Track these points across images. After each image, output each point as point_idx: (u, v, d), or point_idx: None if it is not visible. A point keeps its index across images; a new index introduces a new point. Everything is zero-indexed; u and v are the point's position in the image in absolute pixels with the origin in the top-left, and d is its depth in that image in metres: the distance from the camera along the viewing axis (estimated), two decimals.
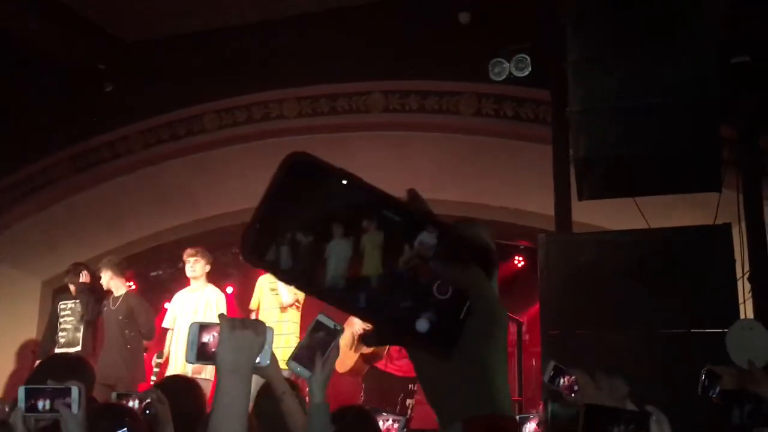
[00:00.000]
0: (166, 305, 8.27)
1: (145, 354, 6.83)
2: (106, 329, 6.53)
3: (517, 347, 5.71)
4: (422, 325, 0.58)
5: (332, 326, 1.96)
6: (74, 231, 7.73)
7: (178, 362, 6.21)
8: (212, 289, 6.49)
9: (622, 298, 3.91)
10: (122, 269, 6.67)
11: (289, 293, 5.86)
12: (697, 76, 3.61)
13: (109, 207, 7.72)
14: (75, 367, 2.37)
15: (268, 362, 1.48)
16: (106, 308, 6.58)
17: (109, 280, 6.56)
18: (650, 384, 3.19)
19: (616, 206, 5.21)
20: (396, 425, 2.65)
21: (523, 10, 5.72)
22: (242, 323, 1.41)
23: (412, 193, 0.55)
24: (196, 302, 6.39)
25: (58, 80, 6.95)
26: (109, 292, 6.64)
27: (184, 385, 2.48)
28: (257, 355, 1.43)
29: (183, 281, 8.58)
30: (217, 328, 1.54)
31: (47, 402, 1.91)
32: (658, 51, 3.73)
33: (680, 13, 3.80)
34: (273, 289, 5.98)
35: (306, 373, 1.94)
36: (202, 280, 6.45)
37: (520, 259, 8.08)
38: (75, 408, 1.91)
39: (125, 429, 1.80)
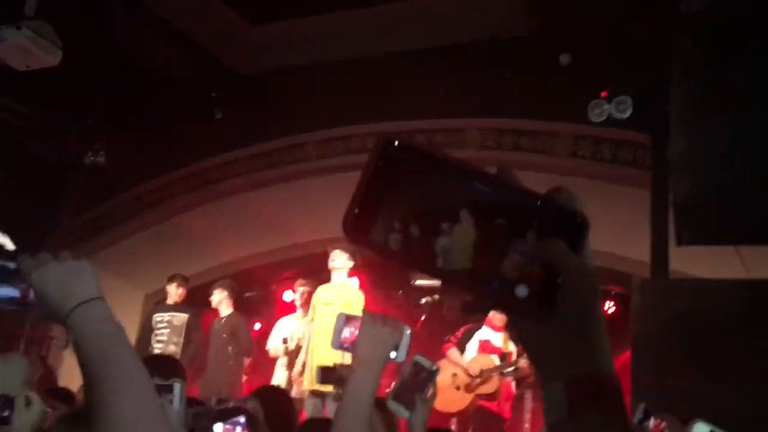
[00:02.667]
0: (256, 326, 8.57)
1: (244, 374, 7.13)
2: (211, 346, 6.88)
3: None
4: (521, 291, 0.60)
5: (429, 366, 2.04)
6: (178, 248, 8.14)
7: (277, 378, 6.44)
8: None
9: (718, 349, 3.79)
10: (235, 292, 7.06)
11: (354, 310, 5.82)
12: None
13: (212, 228, 8.11)
14: (175, 365, 2.53)
15: (404, 359, 1.60)
16: (213, 327, 6.96)
17: (221, 299, 6.94)
18: None
19: (716, 255, 5.05)
20: None
21: (626, 52, 5.70)
22: (383, 319, 1.55)
23: (502, 168, 0.57)
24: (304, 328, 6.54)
25: (173, 105, 7.41)
26: (216, 310, 7.02)
27: (278, 396, 2.60)
28: (391, 351, 1.55)
29: (273, 304, 8.86)
30: (359, 321, 1.68)
31: None
32: (766, 97, 3.65)
33: None
34: (326, 303, 6.00)
35: (405, 412, 2.01)
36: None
37: (612, 304, 7.90)
38: (177, 404, 2.03)
39: (243, 418, 1.92)
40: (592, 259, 0.65)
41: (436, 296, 6.31)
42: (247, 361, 7.13)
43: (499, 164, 0.65)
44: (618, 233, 6.73)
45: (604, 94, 5.51)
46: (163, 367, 2.31)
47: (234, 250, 8.23)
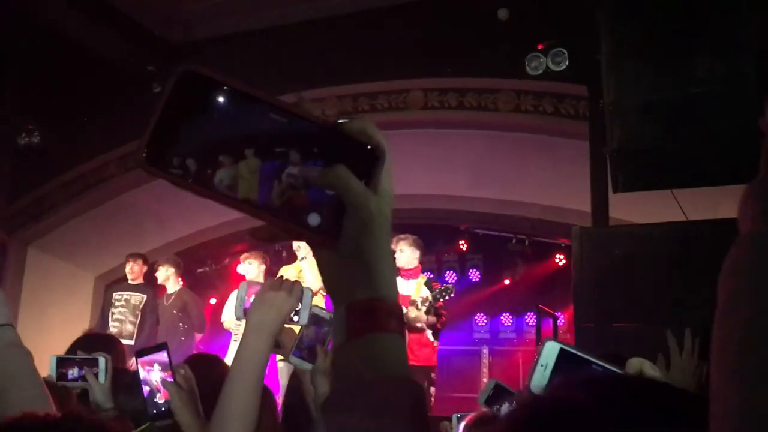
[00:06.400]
0: (212, 301, 8.52)
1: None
2: (161, 323, 6.86)
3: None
4: (313, 219, 0.62)
5: (328, 317, 2.02)
6: (124, 228, 7.99)
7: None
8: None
9: (658, 292, 3.89)
10: (181, 268, 7.05)
11: (316, 279, 5.89)
12: (731, 70, 3.57)
13: (157, 205, 7.96)
14: (103, 342, 2.52)
15: (305, 322, 1.58)
16: (161, 304, 6.94)
17: (168, 276, 6.91)
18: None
19: (656, 202, 5.16)
20: None
21: (561, 5, 5.71)
22: (280, 284, 1.52)
23: (300, 100, 0.62)
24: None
25: (109, 81, 7.20)
26: (162, 287, 6.99)
27: (208, 361, 2.59)
28: (287, 316, 1.54)
29: (227, 278, 8.80)
30: (258, 287, 1.66)
31: (76, 370, 2.04)
32: (693, 44, 3.70)
33: (716, 7, 3.76)
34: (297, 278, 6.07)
35: (307, 365, 1.99)
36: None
37: (562, 257, 8.04)
38: (102, 377, 2.03)
39: (165, 353, 1.92)
40: (389, 187, 0.65)
41: None
42: (198, 336, 7.13)
43: (297, 96, 0.66)
44: (563, 186, 6.83)
45: (540, 46, 5.53)
46: (89, 343, 2.29)
47: (182, 227, 8.11)
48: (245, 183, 0.62)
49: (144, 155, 0.61)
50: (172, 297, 6.97)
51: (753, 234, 0.46)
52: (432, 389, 5.80)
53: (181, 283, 7.33)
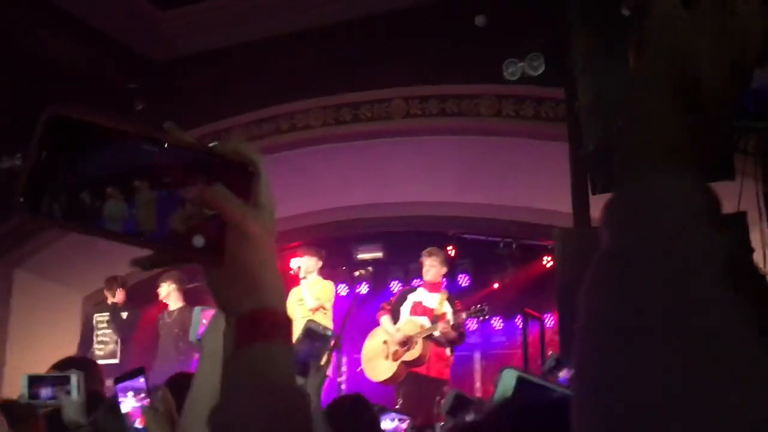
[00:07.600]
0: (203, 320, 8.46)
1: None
2: (161, 340, 6.78)
3: (540, 344, 5.73)
4: (198, 241, 0.63)
5: (322, 332, 2.05)
6: (110, 247, 7.92)
7: None
8: None
9: None
10: (184, 284, 6.92)
11: (312, 299, 5.98)
12: None
13: None
14: (78, 364, 2.53)
15: None
16: (161, 321, 6.85)
17: (169, 292, 6.81)
18: None
19: None
20: (404, 425, 2.71)
21: (537, 9, 5.76)
22: None
23: (169, 128, 0.63)
24: None
25: (91, 100, 7.19)
26: (164, 304, 6.89)
27: (187, 381, 2.58)
28: None
29: None
30: (212, 312, 1.65)
31: (49, 390, 2.04)
32: None
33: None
34: (300, 299, 6.12)
35: (299, 380, 2.02)
36: None
37: (549, 259, 8.05)
38: (75, 394, 2.02)
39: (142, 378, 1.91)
40: (268, 201, 0.68)
41: (369, 268, 6.35)
42: (197, 356, 7.07)
43: (167, 124, 0.68)
44: (547, 188, 6.86)
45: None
46: (62, 363, 2.30)
47: None
48: (142, 216, 0.63)
49: (21, 201, 0.61)
50: (174, 314, 6.87)
51: (606, 256, 0.47)
52: (443, 401, 5.81)
53: (182, 301, 7.21)
